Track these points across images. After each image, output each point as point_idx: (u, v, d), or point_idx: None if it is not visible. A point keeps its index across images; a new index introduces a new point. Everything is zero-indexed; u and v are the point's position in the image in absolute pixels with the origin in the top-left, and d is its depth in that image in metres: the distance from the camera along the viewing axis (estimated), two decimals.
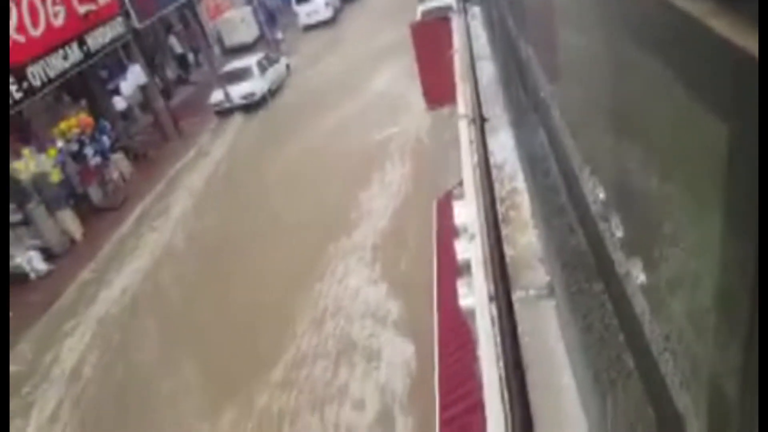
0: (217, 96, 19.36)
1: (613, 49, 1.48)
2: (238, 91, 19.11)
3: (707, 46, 0.77)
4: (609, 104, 1.69)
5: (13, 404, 8.73)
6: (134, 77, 18.04)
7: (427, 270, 5.59)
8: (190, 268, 11.82)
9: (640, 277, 1.28)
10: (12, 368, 9.72)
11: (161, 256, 12.54)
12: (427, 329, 5.53)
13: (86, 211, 14.52)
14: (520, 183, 3.09)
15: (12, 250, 12.49)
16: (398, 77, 16.90)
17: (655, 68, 1.08)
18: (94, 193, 14.98)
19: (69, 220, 13.73)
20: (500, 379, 1.81)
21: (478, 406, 2.19)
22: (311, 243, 10.43)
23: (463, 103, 3.95)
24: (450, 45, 6.30)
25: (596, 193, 1.78)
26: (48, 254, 12.93)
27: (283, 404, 7.57)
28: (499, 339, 1.93)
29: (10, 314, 11.22)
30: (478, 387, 2.15)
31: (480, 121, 3.32)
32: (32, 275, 12.48)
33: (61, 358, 10.08)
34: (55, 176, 13.65)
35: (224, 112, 19.26)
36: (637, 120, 1.40)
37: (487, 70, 4.84)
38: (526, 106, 3.38)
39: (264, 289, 9.69)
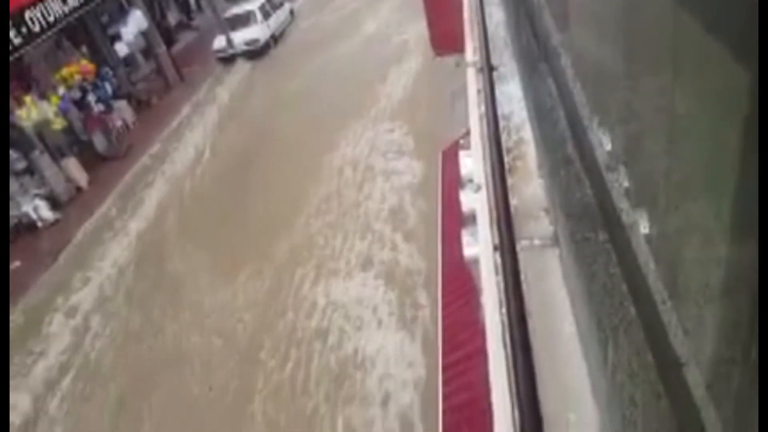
0: (219, 42, 19.00)
1: None
2: (241, 36, 18.73)
3: None
4: (620, 54, 1.66)
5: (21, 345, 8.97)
6: (135, 22, 17.67)
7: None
8: (206, 201, 12.07)
9: (646, 227, 1.28)
10: (19, 320, 9.95)
11: (168, 203, 12.61)
12: (429, 155, 8.93)
13: (91, 159, 14.52)
14: (528, 133, 3.05)
15: (18, 199, 12.58)
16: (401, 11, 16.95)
17: (669, 16, 1.05)
18: (99, 142, 14.94)
19: (74, 168, 13.75)
20: (502, 325, 1.84)
21: (480, 352, 2.24)
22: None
23: (471, 51, 3.87)
24: None
25: (604, 144, 1.76)
26: (54, 202, 13.01)
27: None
28: (502, 287, 1.96)
29: (19, 263, 11.42)
30: (481, 333, 2.20)
31: (488, 70, 3.27)
32: (39, 224, 12.58)
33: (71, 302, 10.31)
34: (58, 124, 13.58)
35: (227, 59, 18.94)
36: (648, 70, 1.38)
37: (497, 17, 4.71)
38: (535, 55, 3.31)
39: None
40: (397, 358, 7.21)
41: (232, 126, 15.29)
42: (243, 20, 19.13)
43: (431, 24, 9.73)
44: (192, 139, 15.14)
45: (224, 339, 8.44)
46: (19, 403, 8.25)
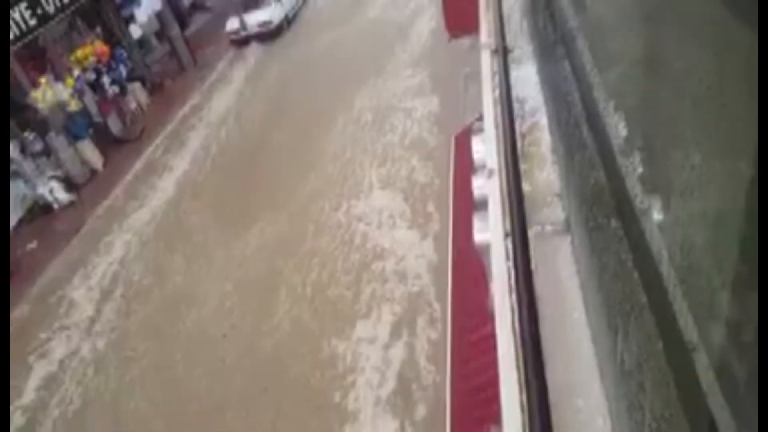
0: (232, 24, 18.91)
1: None
2: (255, 18, 18.61)
3: None
4: (638, 37, 1.63)
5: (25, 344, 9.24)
6: (149, 3, 17.66)
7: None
8: (218, 187, 12.16)
9: (659, 214, 1.27)
10: (26, 308, 10.11)
11: (183, 185, 12.71)
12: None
13: (106, 141, 14.62)
14: (542, 118, 3.02)
15: (34, 180, 12.72)
16: None
17: (688, 2, 1.03)
18: (113, 124, 15.02)
19: (89, 150, 13.85)
20: (512, 311, 1.84)
21: (489, 337, 2.24)
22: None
23: (485, 33, 3.83)
24: None
25: (620, 129, 1.74)
26: (69, 184, 13.14)
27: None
28: (513, 273, 1.95)
29: (35, 245, 11.59)
30: (490, 319, 2.20)
31: (503, 53, 3.23)
32: (55, 205, 12.72)
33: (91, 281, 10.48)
34: (74, 105, 13.66)
35: (240, 41, 18.88)
36: (666, 54, 1.35)
37: None
38: (551, 38, 3.26)
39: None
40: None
41: (249, 105, 15.30)
42: (256, 1, 19.02)
43: (446, 5, 9.62)
44: (208, 120, 15.16)
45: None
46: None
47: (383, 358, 7.21)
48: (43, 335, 9.43)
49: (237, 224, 10.53)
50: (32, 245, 11.73)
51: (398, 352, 7.22)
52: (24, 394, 8.42)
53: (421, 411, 6.51)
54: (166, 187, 12.83)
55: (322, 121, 12.70)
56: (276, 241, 9.77)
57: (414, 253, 8.54)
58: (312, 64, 16.09)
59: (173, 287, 9.74)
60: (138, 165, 13.85)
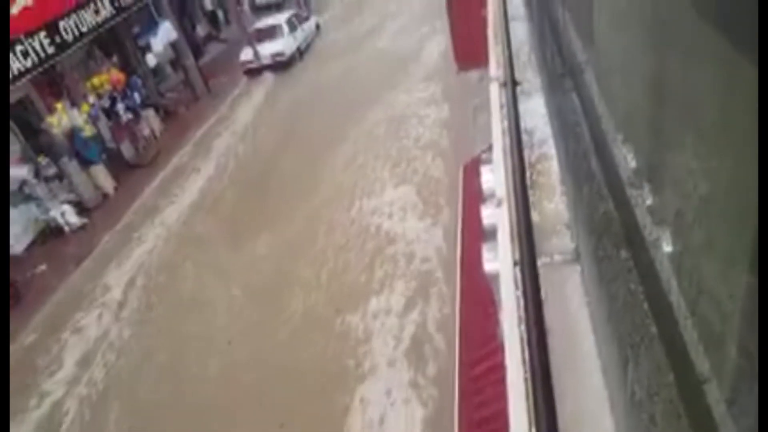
0: (246, 54, 19.30)
1: (651, 13, 1.44)
2: (268, 49, 19.01)
3: (754, 9, 0.74)
4: (645, 70, 1.65)
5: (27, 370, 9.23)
6: (165, 33, 18.05)
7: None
8: (225, 216, 12.26)
9: (669, 245, 1.27)
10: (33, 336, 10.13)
11: (191, 211, 12.80)
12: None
13: (118, 166, 14.81)
14: (550, 149, 3.04)
15: (47, 204, 12.86)
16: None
17: (695, 33, 1.05)
18: (126, 150, 15.23)
19: (101, 175, 14.02)
20: (521, 341, 1.83)
21: (498, 368, 2.22)
22: None
23: (494, 66, 3.88)
24: (483, 5, 6.15)
25: (628, 161, 1.75)
26: (81, 208, 13.27)
27: None
28: (522, 303, 1.95)
29: (45, 267, 11.66)
30: (499, 349, 2.18)
31: (512, 85, 3.27)
32: (66, 229, 12.83)
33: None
34: (88, 131, 13.88)
35: (253, 71, 19.23)
36: (674, 88, 1.37)
37: (521, 32, 4.72)
38: (559, 71, 3.31)
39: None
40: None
41: (263, 126, 15.68)
42: (270, 33, 19.43)
43: (455, 39, 9.77)
44: (218, 148, 15.37)
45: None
46: None
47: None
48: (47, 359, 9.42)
49: (246, 239, 10.63)
50: (42, 268, 11.79)
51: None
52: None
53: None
54: (178, 209, 12.93)
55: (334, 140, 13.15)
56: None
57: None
58: (322, 90, 16.43)
59: (183, 295, 9.77)
60: (149, 190, 13.98)
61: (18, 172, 12.45)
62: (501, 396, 1.92)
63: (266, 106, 17.24)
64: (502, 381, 1.93)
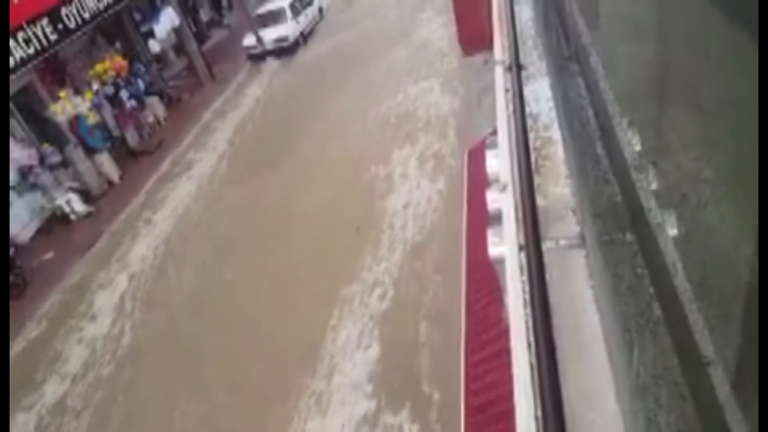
0: (249, 40, 19.20)
1: None
2: (271, 34, 18.90)
3: None
4: (651, 54, 1.64)
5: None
6: (168, 19, 17.97)
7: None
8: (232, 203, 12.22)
9: (674, 228, 1.28)
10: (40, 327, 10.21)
11: (197, 197, 12.84)
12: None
13: (123, 154, 14.83)
14: (555, 133, 3.03)
15: (52, 192, 12.91)
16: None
17: (701, 17, 1.04)
18: (131, 137, 15.25)
19: (106, 162, 14.05)
20: (527, 326, 1.84)
21: (504, 352, 2.23)
22: None
23: (499, 50, 3.85)
24: None
25: (633, 144, 1.75)
26: (87, 196, 13.32)
27: None
28: (527, 287, 1.95)
29: (52, 255, 11.74)
30: (505, 333, 2.19)
31: (517, 69, 3.24)
32: (72, 217, 12.88)
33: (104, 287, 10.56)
34: (92, 119, 13.89)
35: (257, 57, 19.14)
36: (679, 70, 1.36)
37: (526, 15, 4.67)
38: (565, 54, 3.28)
39: None
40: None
41: (265, 117, 15.61)
42: (273, 18, 19.30)
43: (460, 23, 9.68)
44: (222, 134, 15.36)
45: None
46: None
47: None
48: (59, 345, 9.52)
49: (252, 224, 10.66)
50: (49, 256, 11.87)
51: None
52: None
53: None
54: (182, 197, 12.96)
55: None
56: None
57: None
58: (327, 75, 16.35)
59: (188, 291, 9.83)
60: (155, 177, 14.01)
61: (22, 153, 12.49)
62: (506, 379, 1.94)
63: (270, 92, 17.19)
64: (507, 365, 1.94)
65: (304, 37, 19.93)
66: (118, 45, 16.76)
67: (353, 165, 11.52)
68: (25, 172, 12.57)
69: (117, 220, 12.68)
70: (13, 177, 12.32)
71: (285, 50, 19.04)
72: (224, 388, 7.45)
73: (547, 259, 2.07)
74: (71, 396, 8.51)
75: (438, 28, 16.05)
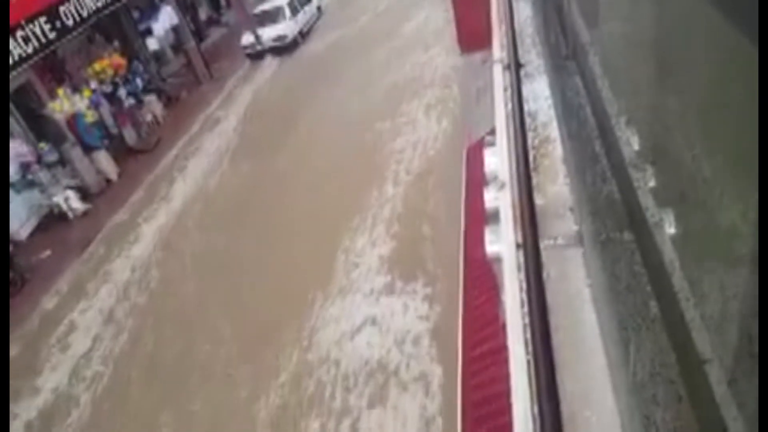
0: (247, 38, 19.18)
1: None
2: (269, 33, 18.89)
3: None
4: (649, 53, 1.64)
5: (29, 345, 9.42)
6: (166, 17, 17.95)
7: None
8: (229, 199, 12.26)
9: (671, 226, 1.28)
10: (50, 304, 10.22)
11: (195, 195, 12.82)
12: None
13: (121, 152, 14.80)
14: (554, 131, 3.03)
15: (50, 190, 12.88)
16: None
17: (699, 16, 1.04)
18: (129, 135, 15.22)
19: (104, 160, 14.03)
20: (524, 324, 1.84)
21: (501, 349, 2.24)
22: None
23: (498, 48, 3.85)
24: None
25: (631, 143, 1.75)
26: (84, 194, 13.29)
27: None
28: (524, 286, 1.95)
29: (49, 252, 11.73)
30: (502, 331, 2.20)
31: (515, 67, 3.24)
32: (70, 214, 12.86)
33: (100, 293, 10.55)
34: (90, 117, 13.87)
35: (255, 55, 19.12)
36: (677, 69, 1.37)
37: (524, 14, 4.67)
38: (563, 53, 3.28)
39: None
40: None
41: (262, 116, 15.58)
42: (271, 16, 19.28)
43: (458, 21, 9.69)
44: (221, 132, 15.35)
45: None
46: None
47: None
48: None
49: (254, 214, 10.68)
50: (47, 253, 11.85)
51: None
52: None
53: None
54: (180, 196, 12.93)
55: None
56: None
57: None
58: (327, 73, 16.34)
59: (185, 295, 9.80)
60: (152, 176, 13.99)
61: (20, 150, 12.47)
62: (503, 376, 1.94)
63: (268, 90, 17.17)
64: (504, 362, 1.94)
65: (303, 35, 19.90)
66: (116, 43, 16.73)
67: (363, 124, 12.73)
68: (23, 170, 12.54)
69: (114, 217, 12.65)
70: (12, 174, 12.30)
71: (283, 48, 19.02)
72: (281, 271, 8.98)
73: (545, 257, 2.07)
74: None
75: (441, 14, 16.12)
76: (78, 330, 9.68)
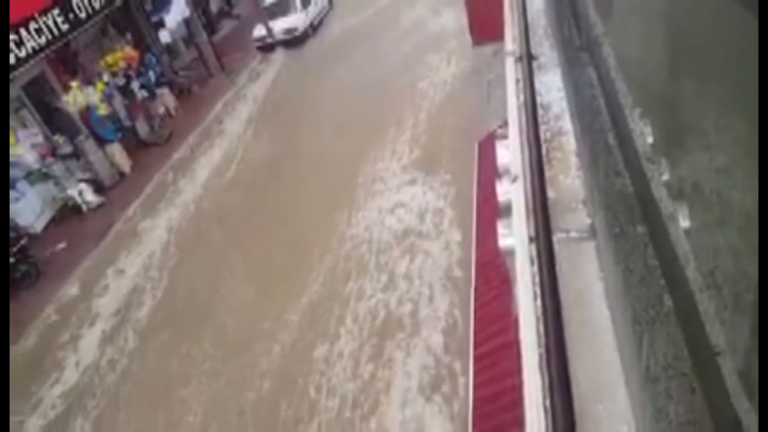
0: (259, 31, 19.20)
1: None
2: (280, 25, 18.90)
3: None
4: (664, 45, 1.63)
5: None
6: (178, 10, 17.98)
7: None
8: (240, 195, 12.30)
9: (685, 219, 1.27)
10: (65, 296, 10.33)
11: (207, 189, 12.90)
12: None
13: (134, 145, 14.90)
14: (567, 124, 3.01)
15: (64, 183, 13.01)
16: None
17: (714, 8, 1.04)
18: (141, 128, 15.32)
19: (118, 153, 14.13)
20: (536, 317, 1.84)
21: (513, 343, 2.24)
22: None
23: (510, 40, 3.83)
24: None
25: (645, 136, 1.74)
26: (98, 187, 13.41)
27: None
28: (537, 279, 1.95)
29: (64, 245, 11.86)
30: (514, 325, 2.20)
31: (528, 59, 3.23)
32: (84, 207, 12.98)
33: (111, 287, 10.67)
34: (103, 109, 13.96)
35: (266, 48, 19.14)
36: (692, 61, 1.36)
37: (537, 4, 4.64)
38: (576, 44, 3.26)
39: None
40: None
41: (276, 107, 15.63)
42: (282, 9, 19.28)
43: (470, 12, 9.64)
44: (232, 128, 15.41)
45: None
46: None
47: None
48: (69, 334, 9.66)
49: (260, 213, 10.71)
50: (62, 246, 11.99)
51: None
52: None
53: None
54: (194, 188, 13.01)
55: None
56: None
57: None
58: (338, 65, 16.32)
59: (192, 292, 9.91)
60: (165, 168, 14.07)
61: (36, 139, 12.63)
62: (515, 370, 1.95)
63: (280, 82, 17.18)
64: (516, 356, 1.95)
65: (314, 27, 19.89)
66: (128, 36, 16.81)
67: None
68: (41, 159, 12.70)
69: (129, 210, 12.76)
70: (32, 163, 12.44)
71: (294, 40, 19.02)
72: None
73: (558, 251, 2.07)
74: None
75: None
76: (94, 324, 9.79)
